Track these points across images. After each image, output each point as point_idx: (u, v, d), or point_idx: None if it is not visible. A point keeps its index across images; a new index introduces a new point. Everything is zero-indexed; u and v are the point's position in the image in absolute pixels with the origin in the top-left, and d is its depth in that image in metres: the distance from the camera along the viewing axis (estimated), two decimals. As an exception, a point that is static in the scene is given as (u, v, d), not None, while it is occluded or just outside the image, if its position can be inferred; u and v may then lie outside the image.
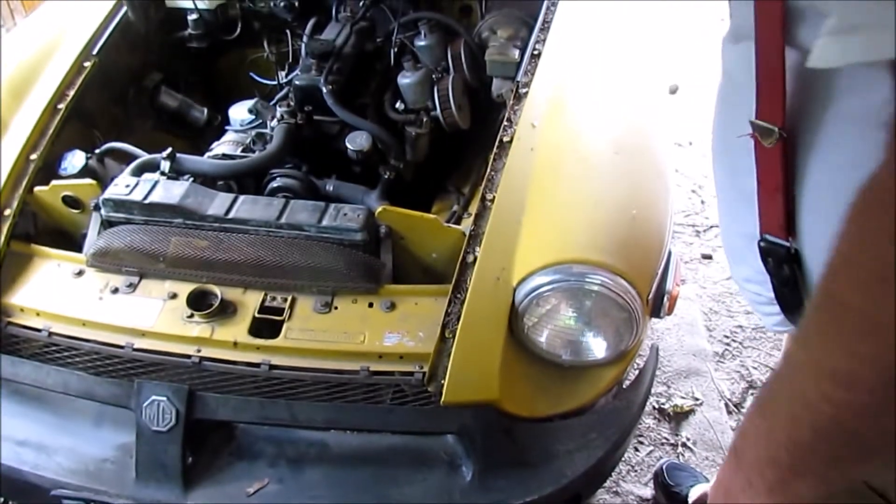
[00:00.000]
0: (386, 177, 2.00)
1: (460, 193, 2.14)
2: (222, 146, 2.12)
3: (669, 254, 1.65)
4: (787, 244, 1.02)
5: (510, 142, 1.81)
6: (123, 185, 1.70)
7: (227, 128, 2.24)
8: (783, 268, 1.04)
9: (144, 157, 1.83)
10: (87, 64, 2.05)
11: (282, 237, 1.65)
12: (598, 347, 1.56)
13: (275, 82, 2.43)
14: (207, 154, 2.09)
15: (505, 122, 1.87)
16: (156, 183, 1.70)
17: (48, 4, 2.39)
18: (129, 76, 2.29)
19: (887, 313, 0.55)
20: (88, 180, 1.74)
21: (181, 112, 2.37)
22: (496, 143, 1.82)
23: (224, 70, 2.65)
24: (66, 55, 2.04)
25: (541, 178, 1.69)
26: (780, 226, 1.00)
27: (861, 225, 0.58)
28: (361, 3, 2.31)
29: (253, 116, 2.15)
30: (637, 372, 1.77)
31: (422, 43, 2.25)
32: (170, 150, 1.79)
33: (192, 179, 1.79)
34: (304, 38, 2.36)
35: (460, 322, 1.50)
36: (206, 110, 2.42)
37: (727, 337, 2.71)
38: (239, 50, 2.60)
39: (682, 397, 2.49)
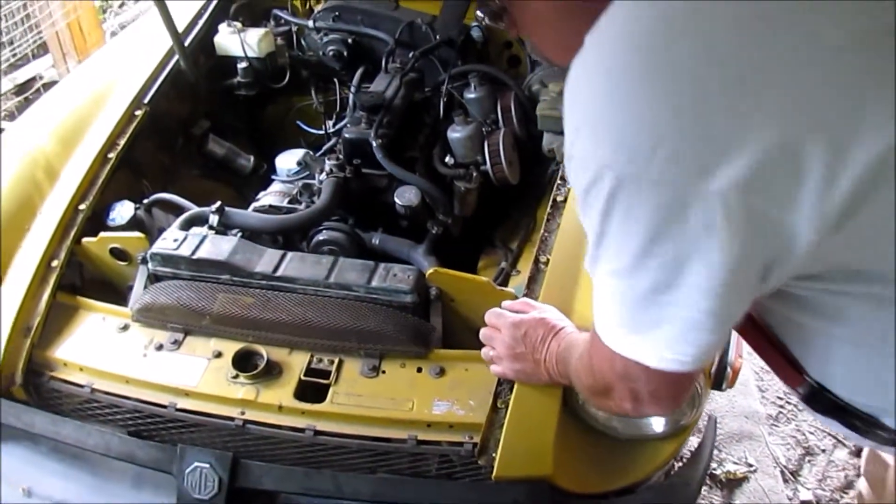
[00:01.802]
0: (434, 232, 1.96)
1: (507, 249, 2.09)
2: (268, 197, 2.09)
3: (731, 323, 1.58)
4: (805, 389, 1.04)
5: (564, 201, 1.77)
6: (171, 240, 1.68)
7: (273, 177, 2.22)
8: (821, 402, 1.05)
9: (193, 210, 1.81)
10: (139, 113, 2.06)
11: (330, 297, 1.61)
12: (656, 422, 1.49)
13: (322, 131, 2.42)
14: (253, 205, 2.06)
15: (558, 181, 1.83)
16: (204, 238, 1.68)
17: (101, 51, 2.41)
18: (178, 124, 2.29)
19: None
20: (136, 233, 1.72)
21: (228, 160, 2.36)
22: (549, 203, 1.78)
23: (271, 118, 2.65)
24: (118, 104, 2.05)
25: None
26: (791, 376, 1.05)
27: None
28: (411, 55, 2.30)
29: (299, 167, 2.13)
30: (695, 444, 1.69)
31: (471, 95, 2.22)
32: (218, 203, 1.77)
33: (240, 234, 1.76)
34: (353, 89, 2.36)
35: (513, 392, 1.44)
36: (252, 158, 2.41)
37: (780, 398, 2.60)
38: (286, 98, 2.60)
39: (735, 463, 2.39)
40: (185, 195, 2.06)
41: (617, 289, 0.84)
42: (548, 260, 1.65)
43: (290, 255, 1.67)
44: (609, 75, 0.77)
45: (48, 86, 3.60)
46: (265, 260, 1.65)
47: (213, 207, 1.76)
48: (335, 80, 2.56)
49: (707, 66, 0.72)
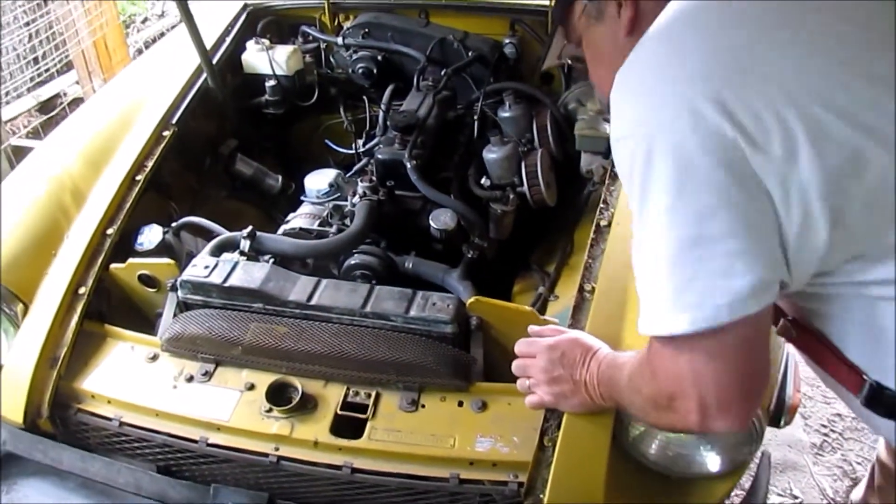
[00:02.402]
0: (469, 256, 1.90)
1: (544, 273, 2.02)
2: (298, 219, 2.04)
3: (787, 356, 1.50)
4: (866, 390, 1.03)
5: (608, 226, 1.70)
6: (202, 266, 1.62)
7: (302, 198, 2.16)
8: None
9: (223, 234, 1.76)
10: (166, 133, 2.01)
11: (366, 327, 1.55)
12: (711, 461, 1.41)
13: (351, 151, 2.37)
14: (283, 227, 2.01)
15: (601, 205, 1.76)
16: (235, 264, 1.62)
17: (127, 70, 2.38)
18: (206, 144, 2.25)
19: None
20: (166, 259, 1.67)
21: (256, 180, 2.32)
22: (592, 227, 1.70)
23: (299, 136, 2.61)
24: (146, 124, 2.01)
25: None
26: (849, 378, 1.05)
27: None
28: (443, 72, 2.24)
29: (330, 189, 2.07)
30: (749, 481, 1.61)
31: (506, 114, 2.16)
32: (250, 228, 1.71)
33: (272, 260, 1.71)
34: (383, 106, 2.30)
35: (561, 429, 1.37)
36: (280, 178, 2.36)
37: (825, 426, 2.51)
38: (314, 116, 2.56)
39: (780, 494, 2.30)
40: (213, 216, 2.01)
41: (655, 256, 0.91)
42: (593, 288, 1.58)
43: (324, 282, 1.61)
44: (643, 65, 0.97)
45: (73, 103, 3.59)
46: (299, 288, 1.59)
47: (245, 232, 1.71)
48: (364, 97, 2.51)
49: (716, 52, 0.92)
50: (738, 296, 0.86)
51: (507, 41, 2.41)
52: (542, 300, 1.89)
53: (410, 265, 1.90)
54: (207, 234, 1.88)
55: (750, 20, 0.94)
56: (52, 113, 3.38)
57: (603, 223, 1.70)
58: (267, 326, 1.55)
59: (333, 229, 1.97)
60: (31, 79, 3.53)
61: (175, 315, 1.64)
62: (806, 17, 0.94)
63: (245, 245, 1.70)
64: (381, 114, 2.31)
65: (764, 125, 0.86)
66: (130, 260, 1.69)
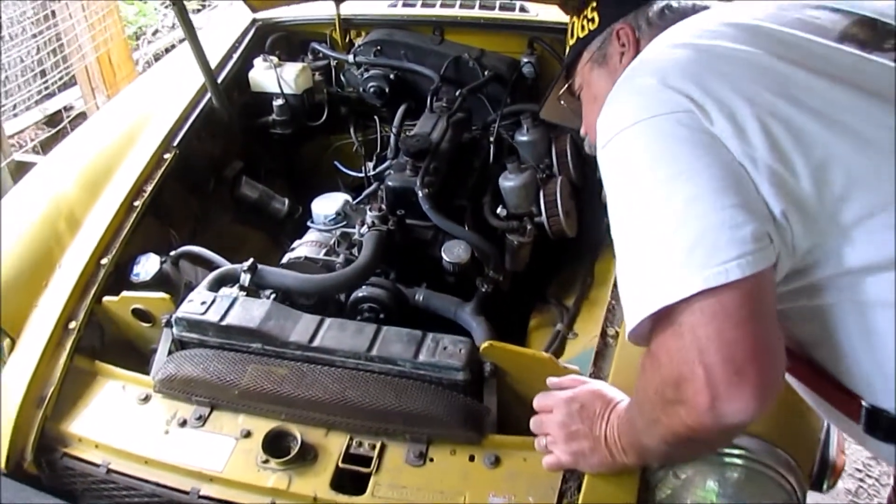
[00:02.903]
0: (483, 290, 1.79)
1: (562, 307, 1.91)
2: (304, 247, 1.95)
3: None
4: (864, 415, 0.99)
5: (633, 264, 1.58)
6: (199, 303, 1.52)
7: (309, 224, 2.07)
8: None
9: (223, 267, 1.67)
10: (167, 156, 1.93)
11: (372, 371, 1.44)
12: (745, 525, 1.29)
13: (361, 174, 2.27)
14: (288, 255, 1.92)
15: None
16: (234, 301, 1.53)
17: (131, 88, 2.29)
18: (210, 166, 2.16)
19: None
20: (161, 294, 1.57)
21: (261, 203, 2.22)
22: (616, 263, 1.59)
23: (307, 157, 2.51)
24: (146, 146, 1.92)
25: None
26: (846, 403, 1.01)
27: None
28: (458, 93, 2.14)
29: (338, 216, 1.97)
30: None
31: (524, 138, 2.06)
32: (251, 261, 1.62)
33: (273, 295, 1.61)
34: (394, 128, 2.21)
35: (581, 492, 1.26)
36: (286, 201, 2.27)
37: (860, 471, 2.37)
38: (323, 137, 2.46)
39: (811, 544, 2.16)
40: (216, 242, 1.93)
41: (652, 232, 0.90)
42: (617, 333, 1.47)
43: (327, 322, 1.51)
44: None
45: (77, 118, 3.50)
46: (301, 327, 1.49)
47: (246, 265, 1.61)
48: (375, 117, 2.41)
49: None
50: (746, 246, 0.85)
51: (525, 60, 2.30)
52: (559, 338, 1.79)
53: (421, 298, 1.80)
54: (208, 264, 1.79)
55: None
56: (58, 127, 3.30)
57: (627, 260, 1.59)
58: (266, 368, 1.45)
59: (340, 259, 1.88)
60: (39, 91, 3.45)
61: (169, 353, 1.54)
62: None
63: (245, 279, 1.60)
64: (392, 135, 2.21)
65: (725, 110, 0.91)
66: (124, 293, 1.60)
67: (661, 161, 0.92)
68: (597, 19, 1.33)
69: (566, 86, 1.46)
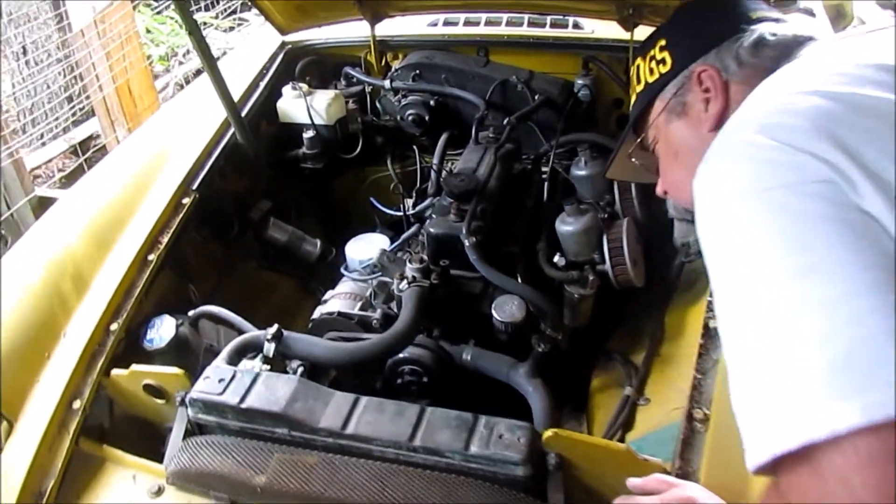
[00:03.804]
0: (539, 349, 1.57)
1: (630, 365, 1.68)
2: (336, 300, 1.75)
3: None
4: None
5: (721, 328, 1.34)
6: (216, 380, 1.33)
7: (343, 271, 1.87)
8: None
9: (245, 333, 1.47)
10: (186, 200, 1.75)
11: (415, 464, 1.23)
12: None
13: (399, 212, 2.06)
14: (320, 309, 1.73)
15: (708, 298, 1.41)
16: (256, 377, 1.33)
17: (150, 122, 2.12)
18: (234, 207, 1.97)
19: None
20: (174, 370, 1.38)
21: (291, 247, 2.03)
22: (701, 330, 1.36)
23: (340, 192, 2.31)
24: (162, 192, 1.74)
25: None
26: None
27: None
28: (506, 121, 1.92)
29: (374, 260, 1.77)
30: None
31: (581, 172, 1.83)
32: (276, 328, 1.42)
33: (300, 368, 1.41)
34: (435, 161, 2.00)
35: None
36: (318, 243, 2.07)
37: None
38: (358, 169, 2.26)
39: None
40: (241, 292, 1.75)
41: (785, 341, 0.68)
42: (706, 416, 1.23)
43: (362, 403, 1.30)
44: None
45: (100, 150, 3.35)
46: (332, 410, 1.29)
47: (270, 332, 1.42)
48: (414, 147, 2.21)
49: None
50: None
51: (579, 82, 2.08)
52: (629, 405, 1.55)
53: (469, 358, 1.61)
54: (230, 324, 1.60)
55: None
56: (83, 157, 3.14)
57: (713, 324, 1.35)
58: (292, 459, 1.25)
59: (377, 314, 1.68)
60: (66, 119, 3.31)
61: (185, 436, 1.35)
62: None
63: (269, 349, 1.41)
64: (432, 168, 2.00)
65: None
66: (134, 367, 1.41)
67: (793, 246, 0.71)
68: (668, 60, 1.12)
69: (637, 141, 1.24)
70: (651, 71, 1.16)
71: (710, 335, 1.35)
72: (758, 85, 0.92)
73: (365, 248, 1.89)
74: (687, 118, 1.09)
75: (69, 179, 3.16)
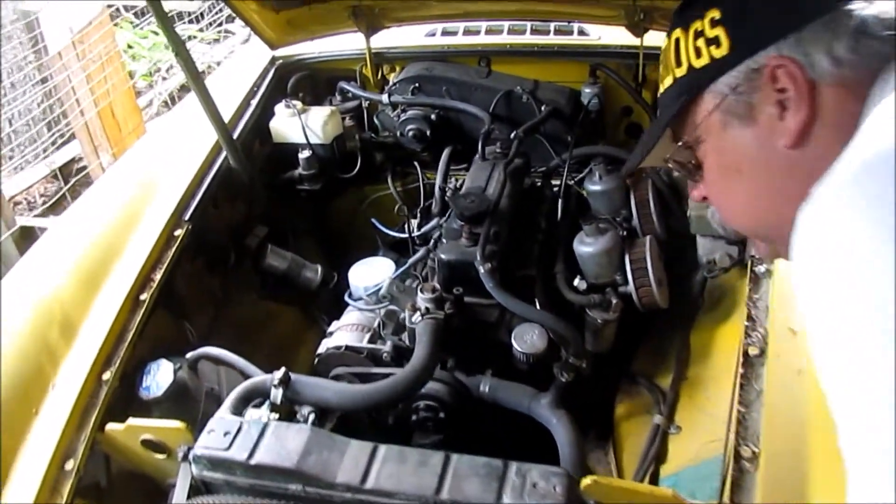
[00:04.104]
0: (562, 379, 1.47)
1: (656, 389, 1.59)
2: (342, 332, 1.65)
3: None
4: None
5: (761, 356, 1.25)
6: (221, 433, 1.22)
7: (347, 300, 1.77)
8: None
9: (250, 380, 1.36)
10: (179, 232, 1.64)
11: (443, 520, 1.13)
12: None
13: (402, 234, 1.95)
14: (326, 343, 1.64)
15: (745, 322, 1.32)
16: (264, 428, 1.22)
17: (137, 148, 2.01)
18: (229, 235, 1.86)
19: None
20: (175, 423, 1.27)
21: (291, 275, 1.92)
22: (740, 358, 1.26)
23: (340, 213, 2.21)
24: (153, 225, 1.63)
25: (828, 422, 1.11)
26: None
27: None
28: (513, 135, 1.82)
29: (381, 289, 1.67)
30: None
31: (596, 188, 1.73)
32: (283, 372, 1.31)
33: (311, 416, 1.31)
34: (438, 177, 1.90)
35: None
36: (319, 269, 1.96)
37: None
38: (357, 189, 2.16)
39: None
40: (241, 326, 1.64)
41: None
42: (755, 454, 1.14)
43: (381, 452, 1.19)
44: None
45: (86, 171, 3.22)
46: (349, 463, 1.18)
47: (277, 377, 1.31)
48: (416, 163, 2.11)
49: None
50: None
51: (587, 90, 1.98)
52: (660, 434, 1.47)
53: (487, 389, 1.51)
54: (231, 364, 1.49)
55: None
56: (69, 185, 3.00)
57: (753, 351, 1.26)
58: (308, 519, 1.14)
59: (387, 347, 1.58)
60: (46, 146, 3.16)
61: (189, 495, 1.24)
62: None
63: (277, 395, 1.30)
64: (437, 186, 1.90)
65: None
66: (130, 421, 1.30)
67: None
68: (724, 42, 0.82)
69: (678, 144, 0.92)
70: (698, 52, 0.85)
71: (749, 363, 1.25)
72: (869, 93, 0.72)
73: (369, 273, 1.79)
74: (755, 126, 0.81)
75: (52, 207, 3.02)
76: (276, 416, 1.29)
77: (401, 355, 1.60)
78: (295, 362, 1.87)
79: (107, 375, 1.38)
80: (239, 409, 1.31)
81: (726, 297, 1.63)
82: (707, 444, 1.36)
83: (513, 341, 1.46)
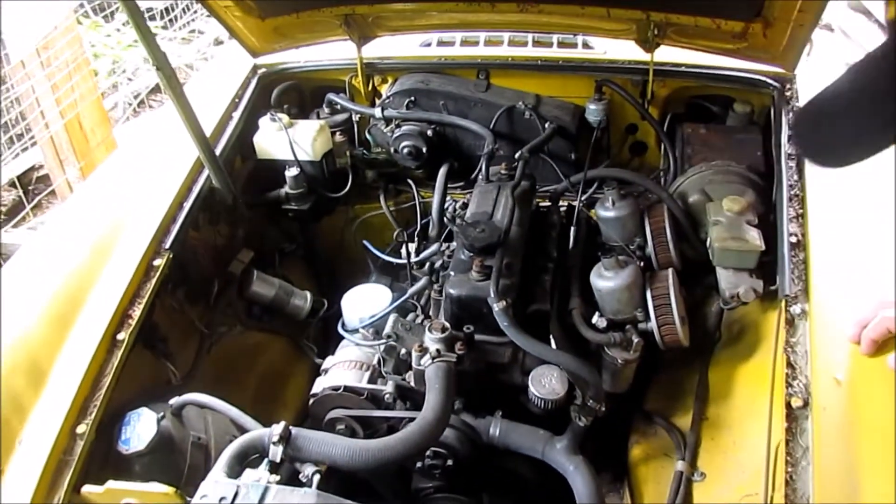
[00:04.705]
0: (580, 424, 1.37)
1: (675, 430, 1.49)
2: (338, 370, 1.54)
3: None
4: None
5: (804, 408, 1.16)
6: (216, 499, 1.09)
7: (341, 331, 1.64)
8: None
9: (245, 435, 1.22)
10: (158, 262, 1.50)
11: None
12: None
13: (397, 259, 1.82)
14: (321, 382, 1.52)
15: (785, 370, 1.22)
16: (264, 494, 1.09)
17: (109, 164, 1.85)
18: (213, 262, 1.72)
19: None
20: (162, 487, 1.14)
21: (278, 303, 1.80)
22: (784, 413, 1.16)
23: (328, 235, 2.07)
24: (130, 255, 1.49)
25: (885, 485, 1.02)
26: None
27: None
28: (518, 156, 1.71)
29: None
30: None
31: (608, 214, 1.63)
32: (283, 426, 1.18)
33: (316, 476, 1.18)
34: (436, 197, 1.79)
35: None
36: (308, 296, 1.84)
37: None
38: (348, 208, 2.02)
39: None
40: (227, 359, 1.53)
41: None
42: (805, 511, 1.04)
43: (397, 521, 1.08)
44: None
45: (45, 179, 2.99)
46: (361, 535, 1.06)
47: (276, 433, 1.18)
48: (410, 182, 1.98)
49: None
50: None
51: (591, 106, 1.88)
52: (683, 481, 1.37)
53: (497, 433, 1.40)
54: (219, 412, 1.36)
55: None
56: (35, 201, 2.77)
57: (796, 403, 1.17)
58: None
59: (389, 388, 1.47)
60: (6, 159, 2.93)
61: (179, 567, 1.11)
62: None
63: (276, 453, 1.17)
64: (433, 208, 1.79)
65: None
66: (110, 483, 1.17)
67: None
68: None
69: None
70: None
71: (793, 416, 1.16)
72: None
73: (363, 302, 1.67)
74: None
75: (10, 215, 2.81)
76: (277, 478, 1.16)
77: (404, 397, 1.49)
78: (283, 398, 1.74)
79: (81, 428, 1.24)
80: (234, 470, 1.17)
81: (747, 332, 1.54)
82: (740, 497, 1.27)
83: (529, 385, 1.36)
